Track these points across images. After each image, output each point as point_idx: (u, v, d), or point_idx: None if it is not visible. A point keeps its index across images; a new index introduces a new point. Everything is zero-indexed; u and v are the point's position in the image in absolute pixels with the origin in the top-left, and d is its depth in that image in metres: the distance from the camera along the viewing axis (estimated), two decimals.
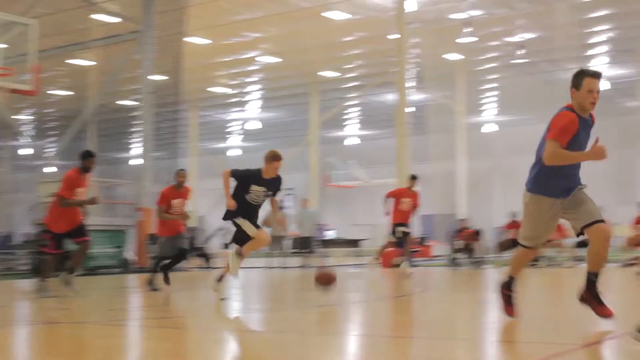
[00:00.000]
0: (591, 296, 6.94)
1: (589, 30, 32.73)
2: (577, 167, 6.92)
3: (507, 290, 7.45)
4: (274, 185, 10.40)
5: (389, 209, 17.32)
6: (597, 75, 6.78)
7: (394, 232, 17.25)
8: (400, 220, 17.12)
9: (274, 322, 8.68)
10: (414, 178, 17.63)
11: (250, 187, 10.15)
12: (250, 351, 6.44)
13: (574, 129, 6.68)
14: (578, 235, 7.12)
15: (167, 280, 13.02)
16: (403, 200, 17.23)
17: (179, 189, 12.95)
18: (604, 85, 39.58)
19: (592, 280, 6.89)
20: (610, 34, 33.86)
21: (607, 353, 6.00)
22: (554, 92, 36.62)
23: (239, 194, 10.22)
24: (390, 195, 17.55)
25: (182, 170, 13.31)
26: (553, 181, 6.86)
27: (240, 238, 10.34)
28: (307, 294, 9.79)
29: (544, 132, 6.95)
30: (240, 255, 10.38)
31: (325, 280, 10.43)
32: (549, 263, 21.35)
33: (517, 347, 6.23)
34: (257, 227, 10.37)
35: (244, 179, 10.20)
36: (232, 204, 10.08)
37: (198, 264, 23.23)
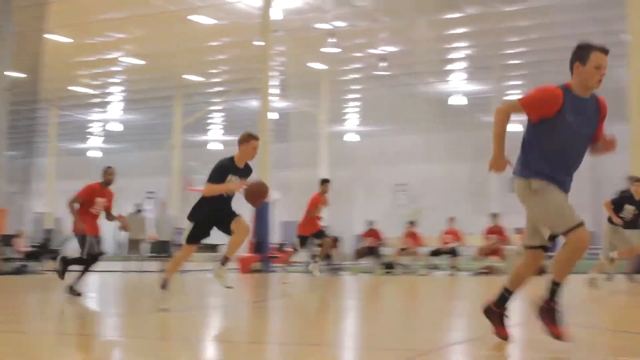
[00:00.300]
0: (549, 310, 5.95)
1: (449, 46, 33.75)
2: (573, 166, 6.07)
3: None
4: (246, 174, 9.55)
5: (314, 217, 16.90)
6: (605, 51, 5.98)
7: (310, 239, 17.17)
8: (314, 230, 16.94)
9: (129, 326, 8.59)
10: (326, 182, 17.30)
11: (227, 178, 9.31)
12: (101, 356, 6.36)
13: (553, 104, 5.86)
14: (551, 239, 6.12)
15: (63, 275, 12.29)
16: (317, 207, 16.97)
17: (105, 187, 12.12)
18: (461, 100, 40.93)
19: (554, 291, 5.96)
20: (469, 51, 35.03)
21: (456, 358, 6.22)
22: (415, 104, 37.84)
23: None
24: (312, 207, 16.90)
25: (110, 167, 12.29)
26: (551, 166, 5.96)
27: (195, 236, 9.44)
28: (165, 299, 9.67)
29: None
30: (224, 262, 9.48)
31: (256, 195, 9.46)
32: (404, 271, 21.87)
33: (372, 353, 6.37)
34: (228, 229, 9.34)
35: (222, 175, 9.34)
36: (237, 185, 9.32)
37: (52, 266, 22.63)
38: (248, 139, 9.55)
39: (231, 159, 9.57)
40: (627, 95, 20.48)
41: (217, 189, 9.32)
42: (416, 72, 35.87)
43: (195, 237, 9.50)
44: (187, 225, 9.54)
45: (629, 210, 14.20)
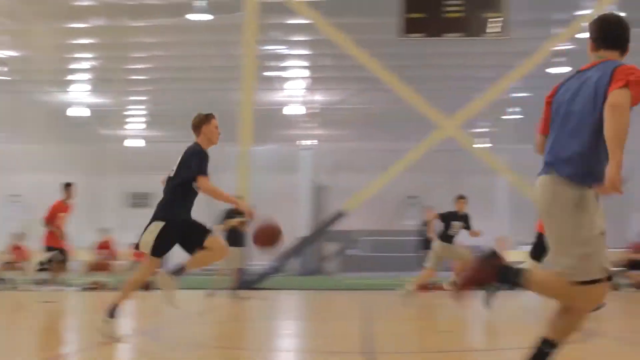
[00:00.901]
0: None
1: (72, 56, 33.13)
2: None
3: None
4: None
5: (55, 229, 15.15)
6: None
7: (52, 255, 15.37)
8: (56, 244, 15.17)
9: None
10: (69, 185, 15.60)
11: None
12: None
13: None
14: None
15: None
16: (59, 216, 15.18)
17: None
18: (82, 111, 40.29)
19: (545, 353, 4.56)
20: (93, 63, 34.60)
21: None
22: (33, 113, 36.57)
23: (188, 185, 7.71)
24: (51, 217, 15.08)
25: None
26: (602, 163, 4.26)
27: (162, 246, 7.68)
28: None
29: (575, 95, 4.55)
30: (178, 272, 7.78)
31: (269, 237, 7.89)
32: (9, 286, 20.85)
33: None
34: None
35: (207, 166, 7.71)
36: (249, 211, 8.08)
37: None
38: (209, 118, 7.98)
39: (198, 145, 7.91)
40: (238, 118, 21.49)
41: (226, 197, 8.01)
42: (36, 80, 34.69)
43: (163, 247, 7.68)
44: (152, 229, 7.66)
45: (455, 225, 14.29)
